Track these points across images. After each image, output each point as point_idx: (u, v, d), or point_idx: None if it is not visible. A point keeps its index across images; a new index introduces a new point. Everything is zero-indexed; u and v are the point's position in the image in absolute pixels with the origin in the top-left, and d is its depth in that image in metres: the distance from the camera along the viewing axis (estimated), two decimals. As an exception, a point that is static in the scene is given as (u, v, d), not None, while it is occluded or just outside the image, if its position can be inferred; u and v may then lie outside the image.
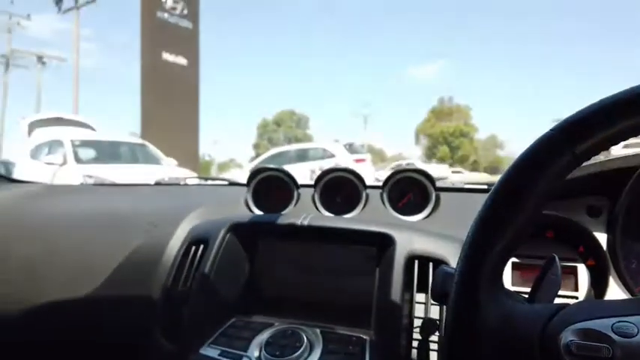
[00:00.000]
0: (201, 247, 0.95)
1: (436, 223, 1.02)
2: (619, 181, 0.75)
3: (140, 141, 7.84)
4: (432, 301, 0.78)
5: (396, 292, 0.78)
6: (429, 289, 0.78)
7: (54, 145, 6.43)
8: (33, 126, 7.58)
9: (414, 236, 0.85)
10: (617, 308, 0.34)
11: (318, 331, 0.82)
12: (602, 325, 0.33)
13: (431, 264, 0.81)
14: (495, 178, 0.60)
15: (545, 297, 0.42)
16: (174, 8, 13.94)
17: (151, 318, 0.93)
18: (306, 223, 0.92)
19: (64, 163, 5.86)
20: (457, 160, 31.87)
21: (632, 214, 0.76)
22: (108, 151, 6.70)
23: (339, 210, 1.12)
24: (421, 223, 1.04)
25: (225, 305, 0.91)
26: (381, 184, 1.13)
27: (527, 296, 0.43)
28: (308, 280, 0.94)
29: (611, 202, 0.79)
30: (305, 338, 0.78)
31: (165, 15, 13.75)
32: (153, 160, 6.94)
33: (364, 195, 1.12)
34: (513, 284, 0.83)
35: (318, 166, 8.67)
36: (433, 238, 0.85)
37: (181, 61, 14.21)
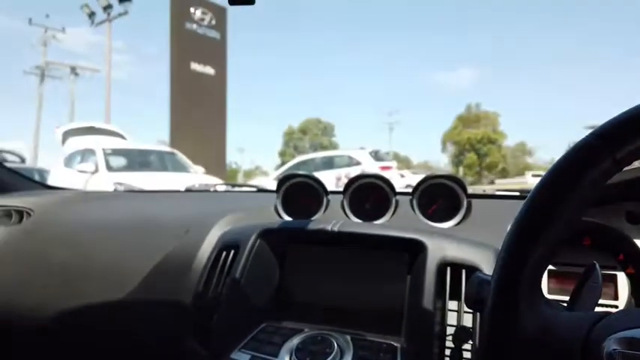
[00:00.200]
0: (232, 252, 0.96)
1: (468, 230, 1.01)
2: None
3: (169, 149, 8.00)
4: (465, 309, 0.76)
5: (428, 299, 0.77)
6: (462, 296, 0.76)
7: (86, 153, 6.62)
8: (67, 135, 7.86)
9: (445, 243, 0.84)
10: None
11: (348, 337, 0.81)
12: None
13: (464, 271, 0.79)
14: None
15: (585, 305, 0.41)
16: (202, 19, 14.36)
17: (183, 323, 0.94)
18: (336, 229, 0.92)
19: (96, 170, 6.02)
20: (485, 167, 31.29)
21: None
22: (138, 160, 6.86)
23: (368, 216, 1.12)
24: (452, 230, 1.02)
25: (255, 310, 0.91)
26: (410, 190, 1.12)
27: (565, 304, 0.42)
28: (338, 286, 0.93)
29: None
30: (335, 344, 0.77)
31: (194, 26, 14.19)
32: (181, 168, 7.08)
33: (394, 201, 1.11)
34: (549, 292, 0.81)
35: (344, 174, 8.68)
36: (465, 244, 0.84)
37: (209, 70, 14.62)
